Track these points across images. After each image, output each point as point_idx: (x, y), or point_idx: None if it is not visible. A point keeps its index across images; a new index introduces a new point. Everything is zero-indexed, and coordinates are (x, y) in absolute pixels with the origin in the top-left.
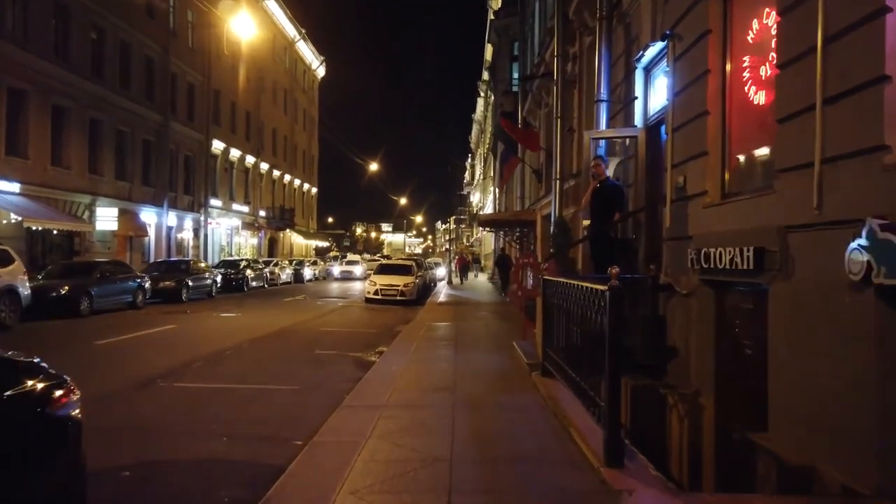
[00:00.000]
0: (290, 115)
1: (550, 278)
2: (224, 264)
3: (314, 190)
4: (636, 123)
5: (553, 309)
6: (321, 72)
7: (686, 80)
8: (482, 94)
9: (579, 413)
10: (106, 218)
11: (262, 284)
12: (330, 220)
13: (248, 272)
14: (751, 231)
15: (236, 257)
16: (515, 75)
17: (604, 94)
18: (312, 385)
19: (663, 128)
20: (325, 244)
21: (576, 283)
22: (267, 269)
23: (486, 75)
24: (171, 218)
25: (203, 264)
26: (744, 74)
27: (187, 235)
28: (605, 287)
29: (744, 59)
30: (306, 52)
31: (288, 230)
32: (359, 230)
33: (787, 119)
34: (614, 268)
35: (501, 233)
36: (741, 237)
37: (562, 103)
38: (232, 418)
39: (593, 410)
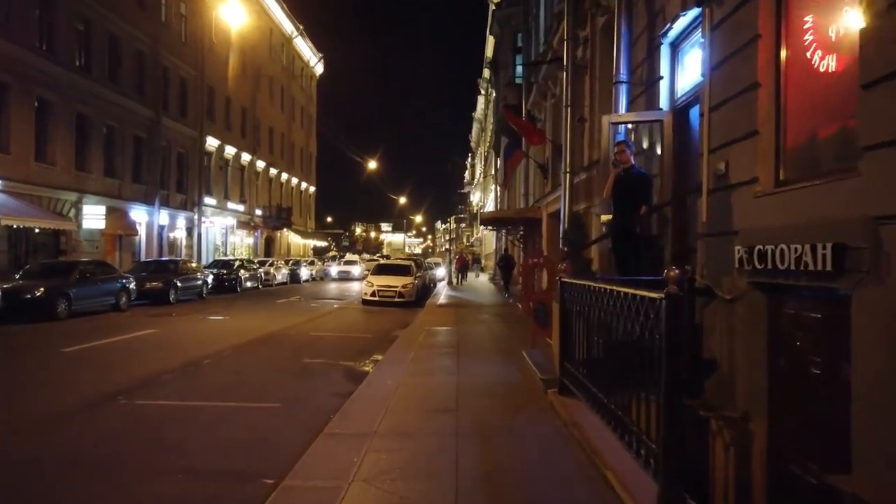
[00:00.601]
0: (287, 113)
1: (571, 281)
2: (217, 264)
3: (312, 189)
4: (662, 106)
5: (573, 317)
6: (319, 69)
7: (728, 50)
8: (483, 91)
9: (612, 446)
10: (93, 216)
11: (256, 285)
12: (329, 219)
13: (242, 272)
14: (826, 224)
15: (231, 257)
16: (519, 68)
17: (623, 74)
18: (296, 402)
19: (693, 110)
20: (323, 244)
21: (609, 287)
22: (262, 270)
23: (486, 72)
24: (163, 217)
25: (194, 264)
26: (805, 38)
27: (180, 235)
28: (660, 294)
29: (805, 18)
30: (304, 48)
31: (285, 229)
32: (358, 230)
33: (878, 83)
34: (673, 269)
35: (504, 231)
36: (811, 232)
37: (572, 91)
38: (196, 446)
39: (637, 449)
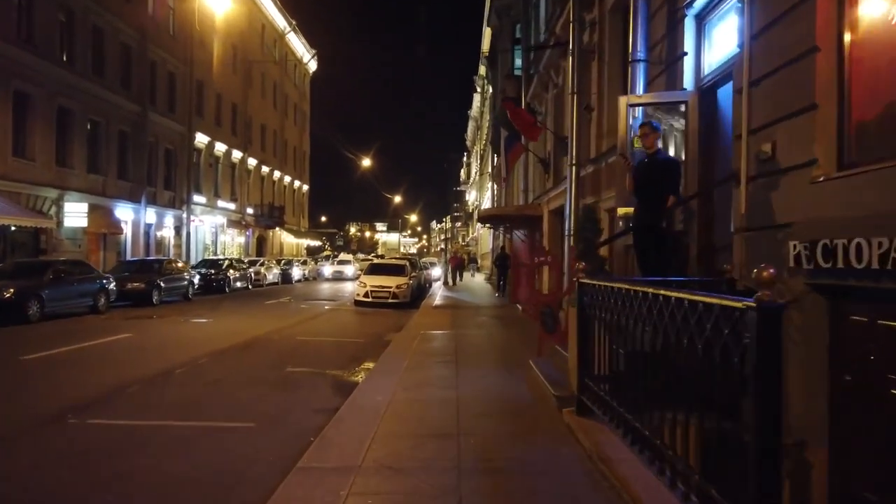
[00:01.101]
0: (280, 110)
1: (592, 282)
2: (204, 264)
3: (305, 187)
4: (685, 87)
5: (595, 324)
6: (313, 65)
7: (775, 13)
8: (479, 89)
9: (655, 493)
10: (75, 214)
11: (245, 285)
12: (323, 218)
13: (231, 272)
14: None
15: (220, 256)
16: (518, 59)
17: (640, 52)
18: (273, 420)
19: (723, 89)
20: (317, 243)
21: (652, 290)
22: (252, 269)
23: (482, 69)
24: (149, 215)
25: (180, 264)
26: None
27: (168, 233)
28: (746, 303)
29: None
30: (297, 44)
31: (277, 228)
32: (353, 229)
33: None
34: (768, 268)
35: (502, 229)
36: None
37: (578, 77)
38: (139, 482)
39: None
